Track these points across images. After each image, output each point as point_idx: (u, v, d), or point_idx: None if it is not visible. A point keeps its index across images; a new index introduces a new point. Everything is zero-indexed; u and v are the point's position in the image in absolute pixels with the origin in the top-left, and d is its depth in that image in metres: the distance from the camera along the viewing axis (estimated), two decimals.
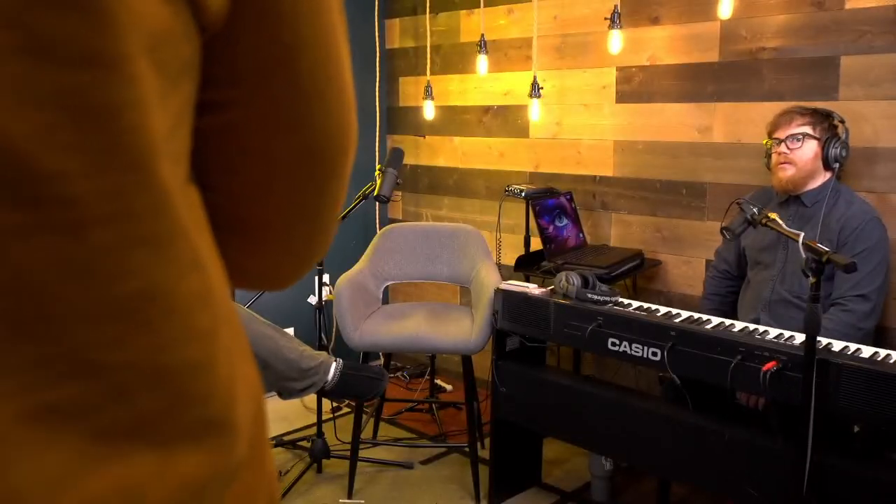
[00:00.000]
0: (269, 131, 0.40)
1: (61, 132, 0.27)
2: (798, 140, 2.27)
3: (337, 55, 0.42)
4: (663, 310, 2.26)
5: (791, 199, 2.33)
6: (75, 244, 0.29)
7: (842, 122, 2.32)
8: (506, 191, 3.03)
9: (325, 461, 2.88)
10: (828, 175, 2.29)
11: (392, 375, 3.75)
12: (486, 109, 3.59)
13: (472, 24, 3.57)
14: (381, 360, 3.10)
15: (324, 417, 2.92)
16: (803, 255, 1.79)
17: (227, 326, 0.37)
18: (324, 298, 2.89)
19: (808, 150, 2.27)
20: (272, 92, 0.39)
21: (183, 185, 0.34)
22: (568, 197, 3.07)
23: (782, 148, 2.29)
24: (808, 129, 2.27)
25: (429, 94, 3.57)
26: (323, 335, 2.90)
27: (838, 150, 2.25)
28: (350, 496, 2.69)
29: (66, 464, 0.29)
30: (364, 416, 2.79)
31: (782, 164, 2.29)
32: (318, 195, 0.45)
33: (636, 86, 3.04)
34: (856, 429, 2.11)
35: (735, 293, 2.55)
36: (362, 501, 2.68)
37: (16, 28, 0.26)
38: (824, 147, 2.26)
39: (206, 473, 0.34)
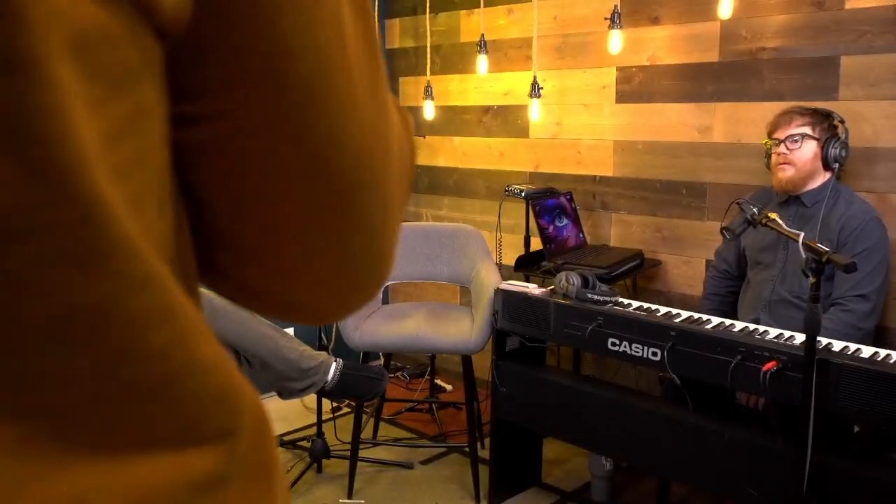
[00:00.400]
0: (259, 149, 0.37)
1: None
2: (797, 140, 2.27)
3: (341, 66, 0.37)
4: (663, 310, 2.26)
5: (791, 200, 2.33)
6: None
7: (842, 122, 2.32)
8: (506, 191, 3.03)
9: (325, 461, 2.88)
10: (828, 175, 2.29)
11: (392, 375, 3.75)
12: (486, 109, 3.59)
13: (472, 24, 3.57)
14: (381, 360, 3.10)
15: (324, 417, 2.92)
16: (803, 255, 1.79)
17: (193, 343, 0.35)
18: None
19: (808, 151, 2.27)
20: (254, 106, 0.35)
21: (132, 197, 0.32)
22: (568, 197, 3.07)
23: (782, 148, 2.28)
24: (807, 130, 2.27)
25: (429, 94, 3.57)
26: (323, 335, 2.90)
27: (838, 150, 2.25)
28: (350, 496, 2.69)
29: (4, 474, 0.28)
30: (364, 416, 2.78)
31: (782, 164, 2.29)
32: (339, 221, 0.40)
33: (636, 86, 3.04)
34: (856, 429, 2.11)
35: (735, 293, 2.55)
36: (362, 501, 2.68)
37: None
38: (824, 147, 2.26)
39: (166, 483, 0.33)
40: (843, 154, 2.26)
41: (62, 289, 0.29)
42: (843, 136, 2.29)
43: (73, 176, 0.28)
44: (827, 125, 2.29)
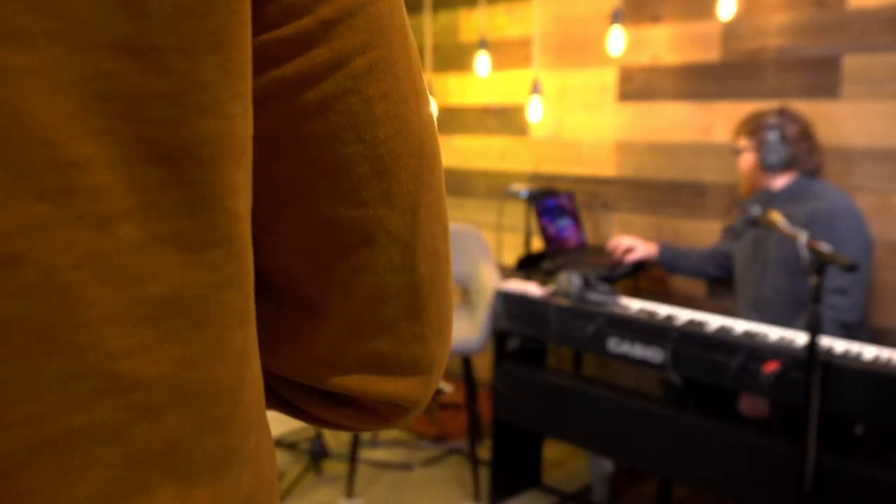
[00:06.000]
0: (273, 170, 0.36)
1: (87, 118, 0.26)
2: (738, 153, 2.41)
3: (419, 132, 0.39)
4: (665, 310, 2.25)
5: (769, 199, 2.35)
6: (102, 239, 0.27)
7: (778, 124, 2.32)
8: (506, 191, 3.02)
9: (324, 462, 2.87)
10: (793, 173, 2.32)
11: None
12: (486, 109, 3.58)
13: (472, 22, 3.56)
14: None
15: None
16: (806, 255, 1.78)
17: (256, 356, 0.34)
18: None
19: (745, 162, 2.39)
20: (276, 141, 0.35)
21: (245, 194, 0.32)
22: (569, 197, 3.06)
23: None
24: (743, 143, 2.39)
25: (429, 93, 3.55)
26: None
27: (770, 156, 2.31)
28: (350, 497, 2.68)
29: (91, 499, 0.27)
30: None
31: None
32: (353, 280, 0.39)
33: (637, 85, 3.03)
34: (858, 430, 2.10)
35: (716, 276, 2.64)
36: (362, 502, 2.67)
37: (46, 13, 0.25)
38: (758, 156, 2.34)
39: None
40: (779, 156, 2.30)
41: (159, 274, 0.29)
42: (773, 139, 2.31)
43: (185, 161, 0.29)
44: (759, 132, 2.35)
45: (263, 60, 0.33)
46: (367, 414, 0.42)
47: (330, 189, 0.36)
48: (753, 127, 2.36)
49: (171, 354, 0.29)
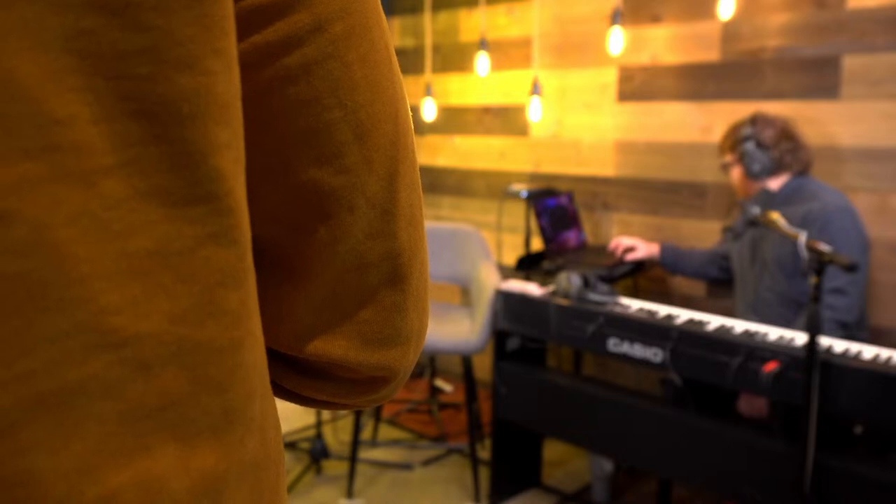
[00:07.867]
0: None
1: (69, 76, 0.27)
2: (726, 168, 2.47)
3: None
4: (664, 310, 2.26)
5: (768, 199, 2.35)
6: (88, 195, 0.27)
7: (751, 134, 2.34)
8: (506, 191, 3.02)
9: (324, 462, 2.87)
10: (786, 174, 2.33)
11: None
12: (486, 109, 3.58)
13: (473, 22, 3.57)
14: None
15: (323, 418, 2.91)
16: (805, 255, 1.79)
17: (255, 311, 0.34)
18: None
19: (735, 176, 2.44)
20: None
21: (232, 152, 0.32)
22: (569, 197, 3.06)
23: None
24: (727, 159, 2.44)
25: (429, 93, 3.56)
26: None
27: (753, 165, 2.34)
28: (350, 497, 2.68)
29: (89, 454, 0.27)
30: (364, 417, 2.78)
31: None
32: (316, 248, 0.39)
33: (637, 85, 3.03)
34: (858, 430, 2.10)
35: (717, 277, 2.64)
36: (362, 502, 2.67)
37: None
38: (743, 167, 2.37)
39: (223, 469, 0.32)
40: (762, 164, 2.33)
41: (142, 228, 0.29)
42: (750, 149, 2.34)
43: (167, 119, 0.29)
44: (737, 144, 2.38)
45: (244, 26, 0.33)
46: (344, 386, 0.43)
47: (311, 155, 0.37)
48: (732, 141, 2.40)
49: (161, 309, 0.29)
